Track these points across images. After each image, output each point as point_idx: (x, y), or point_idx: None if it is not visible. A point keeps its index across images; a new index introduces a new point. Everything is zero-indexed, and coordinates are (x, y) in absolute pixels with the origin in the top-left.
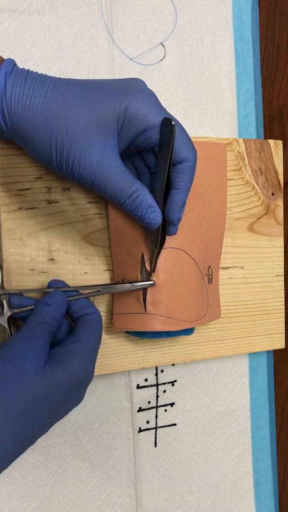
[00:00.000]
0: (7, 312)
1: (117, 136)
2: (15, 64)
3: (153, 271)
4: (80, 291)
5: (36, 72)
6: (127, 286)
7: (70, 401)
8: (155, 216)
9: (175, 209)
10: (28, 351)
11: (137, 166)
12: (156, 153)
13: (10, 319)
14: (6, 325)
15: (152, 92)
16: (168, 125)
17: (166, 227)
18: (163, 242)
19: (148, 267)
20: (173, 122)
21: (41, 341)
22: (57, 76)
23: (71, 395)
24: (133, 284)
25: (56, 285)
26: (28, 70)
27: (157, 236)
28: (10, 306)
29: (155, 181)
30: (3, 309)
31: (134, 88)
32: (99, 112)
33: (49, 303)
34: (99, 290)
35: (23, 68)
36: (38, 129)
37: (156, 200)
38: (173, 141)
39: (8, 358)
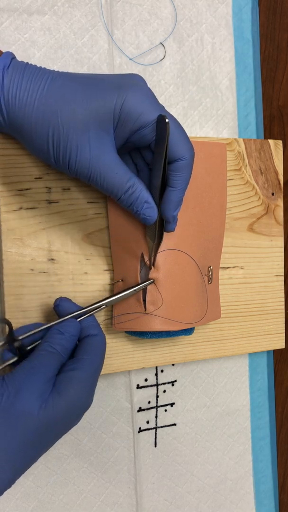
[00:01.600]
0: (20, 351)
1: (113, 132)
2: (13, 57)
3: (153, 265)
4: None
5: (35, 65)
6: (129, 292)
7: (68, 426)
8: (150, 212)
9: (170, 207)
10: (34, 383)
11: (136, 162)
12: (153, 149)
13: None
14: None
15: (149, 89)
16: (162, 122)
17: (164, 223)
18: (161, 237)
19: (148, 263)
20: (167, 120)
21: (49, 373)
22: (55, 70)
23: (70, 421)
24: (135, 289)
25: (63, 303)
26: (27, 63)
27: (155, 231)
28: (22, 346)
29: (151, 177)
30: (17, 350)
31: (131, 84)
32: (95, 108)
33: (63, 331)
34: (105, 305)
35: (22, 61)
36: (35, 124)
37: (153, 196)
38: (167, 139)
39: (13, 389)
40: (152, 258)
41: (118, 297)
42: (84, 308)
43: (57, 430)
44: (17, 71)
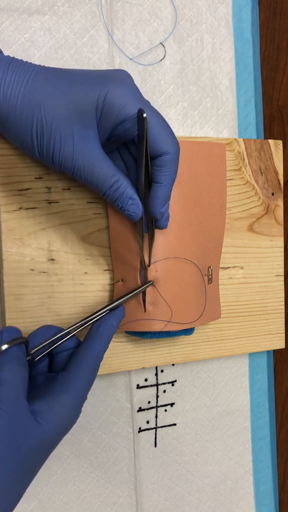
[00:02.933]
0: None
1: (96, 126)
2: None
3: (148, 265)
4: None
5: (21, 60)
6: (130, 296)
7: (52, 449)
8: (135, 208)
9: (157, 203)
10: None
11: (125, 159)
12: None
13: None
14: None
15: (133, 83)
16: (141, 116)
17: (153, 220)
18: (152, 234)
19: (146, 261)
20: (144, 115)
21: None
22: (41, 65)
23: (55, 443)
24: (135, 292)
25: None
26: (12, 58)
27: (142, 228)
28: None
29: (137, 173)
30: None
31: (114, 78)
32: (78, 102)
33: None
34: (108, 311)
35: (8, 56)
36: (19, 117)
37: (139, 192)
38: (146, 134)
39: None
40: (147, 257)
41: (119, 302)
42: (88, 318)
43: (43, 456)
44: (2, 65)
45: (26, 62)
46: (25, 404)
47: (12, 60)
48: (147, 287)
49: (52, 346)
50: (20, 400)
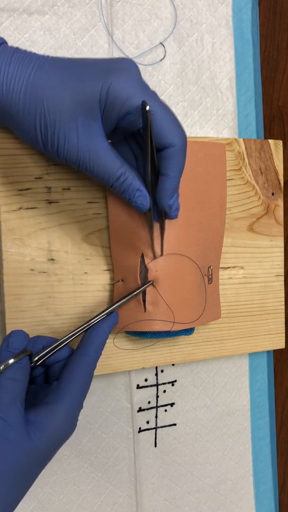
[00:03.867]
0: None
1: (101, 118)
2: (3, 42)
3: (162, 253)
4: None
5: (24, 50)
6: (130, 297)
7: (52, 454)
8: (142, 200)
9: (164, 195)
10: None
11: (133, 148)
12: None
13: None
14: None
15: (138, 73)
16: (143, 109)
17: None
18: (162, 225)
19: (158, 251)
20: (147, 107)
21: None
22: (44, 55)
23: (51, 453)
24: (136, 292)
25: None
26: (16, 48)
27: (151, 218)
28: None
29: (144, 165)
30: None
31: (119, 68)
32: (82, 95)
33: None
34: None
35: (11, 47)
36: (22, 112)
37: (146, 184)
38: (151, 127)
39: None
40: (158, 247)
41: (119, 305)
42: (87, 323)
43: (37, 466)
44: (5, 56)
45: (30, 52)
46: (21, 411)
47: (15, 51)
48: (147, 287)
49: (44, 357)
50: (17, 407)
